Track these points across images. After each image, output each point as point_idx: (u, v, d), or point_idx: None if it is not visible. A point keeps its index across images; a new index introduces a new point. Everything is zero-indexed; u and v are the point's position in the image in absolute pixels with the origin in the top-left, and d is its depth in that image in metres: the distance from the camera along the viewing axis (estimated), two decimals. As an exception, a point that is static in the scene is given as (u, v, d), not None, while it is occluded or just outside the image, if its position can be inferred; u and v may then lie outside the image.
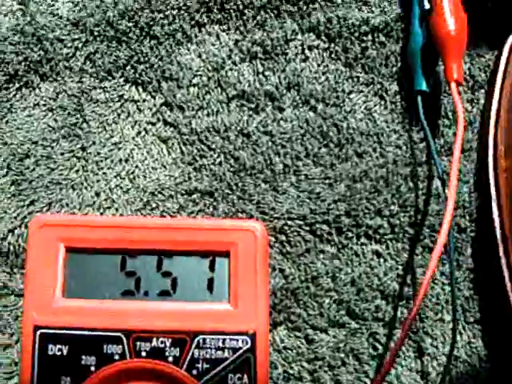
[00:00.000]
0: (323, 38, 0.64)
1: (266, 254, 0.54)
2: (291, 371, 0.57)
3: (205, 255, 0.53)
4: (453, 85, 0.59)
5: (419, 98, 0.61)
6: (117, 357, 0.51)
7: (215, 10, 0.65)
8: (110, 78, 0.63)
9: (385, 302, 0.59)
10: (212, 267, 0.53)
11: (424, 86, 0.61)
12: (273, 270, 0.59)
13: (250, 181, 0.60)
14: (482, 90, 0.63)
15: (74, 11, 0.64)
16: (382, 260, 0.59)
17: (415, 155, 0.61)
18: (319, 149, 0.61)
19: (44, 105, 0.62)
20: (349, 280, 0.59)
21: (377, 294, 0.59)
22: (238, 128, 0.61)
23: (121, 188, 0.60)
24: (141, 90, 0.63)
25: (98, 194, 0.60)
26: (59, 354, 0.51)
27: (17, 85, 0.62)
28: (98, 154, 0.61)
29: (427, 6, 0.63)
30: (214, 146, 0.61)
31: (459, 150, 0.57)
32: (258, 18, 0.65)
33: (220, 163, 0.61)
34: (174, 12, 0.64)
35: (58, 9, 0.64)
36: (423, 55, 0.61)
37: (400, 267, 0.59)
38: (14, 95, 0.62)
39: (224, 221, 0.57)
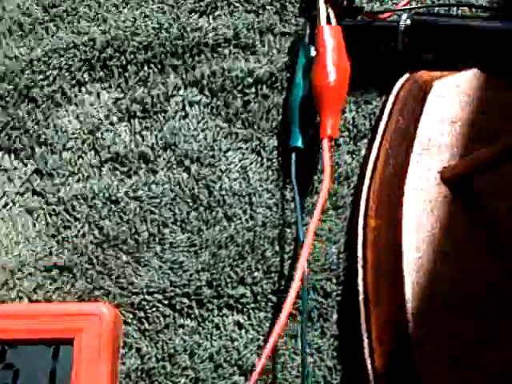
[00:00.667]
0: (206, 92, 0.60)
1: (112, 338, 0.50)
2: None
3: (49, 343, 0.50)
4: (325, 141, 0.53)
5: (293, 155, 0.55)
6: None
7: (98, 68, 0.62)
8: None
9: (243, 378, 0.53)
10: (56, 356, 0.50)
11: (299, 143, 0.55)
12: (129, 349, 0.54)
13: (111, 253, 0.56)
14: (365, 140, 0.57)
15: None
16: (243, 331, 0.54)
17: (285, 216, 0.56)
18: (188, 213, 0.57)
19: None
20: (207, 356, 0.54)
21: (235, 369, 0.53)
22: (107, 195, 0.58)
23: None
24: (13, 157, 0.60)
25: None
26: None
27: None
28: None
29: (313, 53, 0.57)
30: (79, 216, 0.58)
31: (319, 212, 0.51)
32: (141, 73, 0.61)
33: (83, 235, 0.57)
34: (55, 72, 0.62)
35: None
36: (302, 108, 0.56)
37: (261, 337, 0.54)
38: None
39: (71, 305, 0.54)
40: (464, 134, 0.52)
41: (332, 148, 0.56)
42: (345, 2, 0.56)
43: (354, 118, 0.57)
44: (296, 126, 0.55)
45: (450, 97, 0.54)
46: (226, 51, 0.60)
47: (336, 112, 0.54)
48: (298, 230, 0.53)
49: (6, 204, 0.58)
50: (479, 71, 0.55)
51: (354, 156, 0.56)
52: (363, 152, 0.57)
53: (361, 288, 0.52)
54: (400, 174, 0.51)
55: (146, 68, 0.61)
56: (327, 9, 0.56)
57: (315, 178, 0.56)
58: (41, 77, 0.61)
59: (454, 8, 0.60)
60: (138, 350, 0.54)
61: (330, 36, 0.55)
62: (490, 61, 0.55)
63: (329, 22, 0.56)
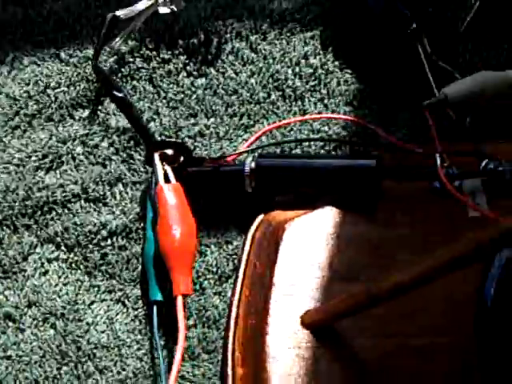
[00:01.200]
0: (62, 248, 0.61)
1: None
2: None
3: None
4: (179, 299, 0.55)
5: (154, 308, 0.57)
6: None
7: None
8: None
9: None
10: None
11: (159, 296, 0.57)
12: None
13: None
14: (230, 281, 0.60)
15: None
16: None
17: (156, 365, 0.58)
18: (59, 369, 0.57)
19: None
20: None
21: None
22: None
23: None
24: None
25: None
26: None
27: None
28: None
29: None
30: None
31: (176, 371, 0.53)
32: (-6, 235, 0.62)
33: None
34: None
35: None
36: (156, 262, 0.58)
37: None
38: None
39: None
40: (323, 276, 0.55)
41: (197, 292, 0.59)
42: (181, 158, 0.59)
43: (216, 260, 0.60)
44: (153, 280, 0.57)
45: (305, 238, 0.57)
46: (77, 206, 0.62)
47: (186, 268, 0.56)
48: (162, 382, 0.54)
49: None
50: (334, 208, 0.58)
51: (222, 298, 0.59)
52: (230, 293, 0.59)
53: None
54: (261, 322, 0.54)
55: (-1, 231, 0.61)
56: (164, 167, 0.58)
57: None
58: None
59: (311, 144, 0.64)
60: None
61: (170, 195, 0.57)
62: (343, 196, 0.59)
63: (168, 180, 0.58)
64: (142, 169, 0.63)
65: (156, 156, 0.59)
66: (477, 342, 0.51)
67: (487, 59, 0.67)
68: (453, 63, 0.66)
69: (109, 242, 0.61)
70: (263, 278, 0.56)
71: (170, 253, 0.56)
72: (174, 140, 0.62)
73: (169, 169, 0.59)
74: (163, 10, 0.66)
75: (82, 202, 0.63)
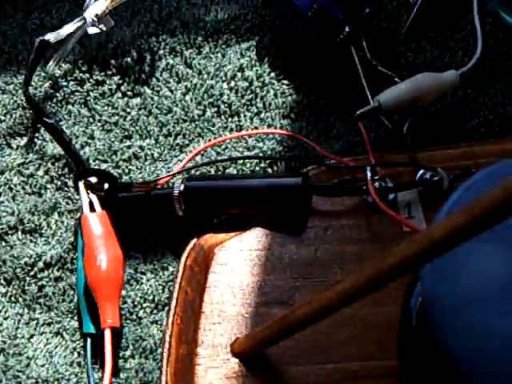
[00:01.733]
0: (2, 281, 0.61)
1: None
2: None
3: None
4: (107, 332, 0.55)
5: (88, 341, 0.57)
6: None
7: None
8: None
9: None
10: None
11: (91, 329, 0.57)
12: None
13: None
14: (167, 308, 0.59)
15: None
16: None
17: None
18: (0, 408, 0.57)
19: None
20: None
21: None
22: None
23: None
24: None
25: None
26: None
27: None
28: None
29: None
30: None
31: None
32: None
33: None
34: None
35: None
36: (87, 293, 0.57)
37: None
38: None
39: None
40: (252, 301, 0.54)
41: (134, 322, 0.58)
42: (106, 186, 0.58)
43: (152, 287, 0.59)
44: (85, 312, 0.57)
45: (234, 262, 0.56)
46: (14, 238, 0.61)
47: (114, 300, 0.55)
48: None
49: None
50: (262, 229, 0.57)
51: (158, 327, 0.58)
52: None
53: None
54: (191, 352, 0.53)
55: None
56: (89, 195, 0.58)
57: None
58: None
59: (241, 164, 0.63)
60: None
61: (95, 224, 0.56)
62: (273, 216, 0.57)
63: (93, 209, 0.57)
64: (77, 196, 0.62)
65: (80, 184, 0.58)
66: (401, 365, 0.50)
67: (432, 60, 0.65)
68: (395, 66, 0.64)
69: (45, 273, 0.61)
70: (194, 305, 0.55)
71: (96, 284, 0.55)
72: (96, 168, 0.61)
73: (94, 197, 0.58)
74: (92, 30, 0.64)
75: (19, 233, 0.62)
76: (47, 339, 0.59)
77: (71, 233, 0.62)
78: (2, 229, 0.62)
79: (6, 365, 0.58)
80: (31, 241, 0.62)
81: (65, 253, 0.61)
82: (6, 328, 0.59)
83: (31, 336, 0.59)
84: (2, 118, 0.66)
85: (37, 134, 0.65)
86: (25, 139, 0.65)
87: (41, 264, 0.61)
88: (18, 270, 0.61)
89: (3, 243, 0.62)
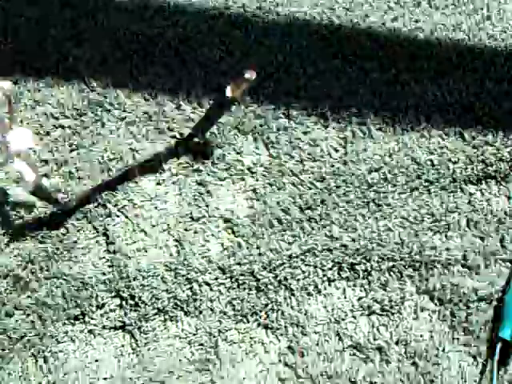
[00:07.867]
0: (435, 301, 0.72)
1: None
2: None
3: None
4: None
5: (498, 345, 0.67)
6: None
7: (345, 269, 0.74)
8: (245, 321, 0.74)
9: None
10: None
11: (507, 335, 0.67)
12: None
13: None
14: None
15: (223, 257, 0.76)
16: None
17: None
18: None
19: (185, 337, 0.74)
20: None
21: None
22: (347, 375, 0.70)
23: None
24: (270, 333, 0.73)
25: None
26: None
27: (162, 317, 0.75)
28: (225, 388, 0.71)
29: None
30: (326, 392, 0.70)
31: None
32: (382, 278, 0.74)
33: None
34: (311, 269, 0.75)
35: (209, 250, 0.77)
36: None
37: None
38: (159, 326, 0.74)
39: None
40: None
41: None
42: None
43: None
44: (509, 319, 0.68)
45: None
46: (455, 269, 0.72)
47: None
48: None
49: (262, 371, 0.71)
50: None
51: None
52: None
53: None
54: None
55: (387, 274, 0.73)
56: None
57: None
58: (297, 271, 0.74)
59: None
60: None
61: None
62: None
63: None
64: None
65: None
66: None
67: None
68: None
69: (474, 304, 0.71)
70: None
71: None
72: None
73: None
74: None
75: (460, 267, 0.73)
76: (461, 357, 0.69)
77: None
78: (448, 259, 0.73)
79: (426, 368, 0.69)
80: (469, 276, 0.72)
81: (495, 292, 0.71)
82: (430, 339, 0.71)
83: (448, 351, 0.70)
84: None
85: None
86: None
87: (474, 296, 0.71)
88: (455, 296, 0.72)
89: (446, 271, 0.73)
